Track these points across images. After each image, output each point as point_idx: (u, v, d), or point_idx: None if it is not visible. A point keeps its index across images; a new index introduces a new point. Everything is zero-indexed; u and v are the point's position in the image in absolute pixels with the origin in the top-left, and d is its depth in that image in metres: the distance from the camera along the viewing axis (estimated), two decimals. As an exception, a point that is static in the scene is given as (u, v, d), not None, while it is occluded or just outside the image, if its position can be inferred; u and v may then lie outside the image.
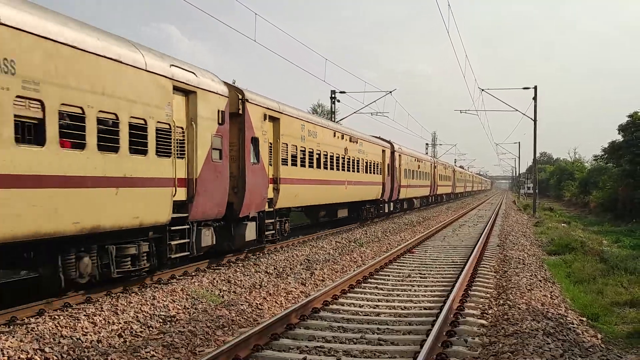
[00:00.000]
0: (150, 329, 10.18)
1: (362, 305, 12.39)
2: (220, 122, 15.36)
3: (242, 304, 12.00)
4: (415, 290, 14.18)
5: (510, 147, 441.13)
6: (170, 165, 13.14)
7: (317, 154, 23.66)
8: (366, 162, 31.34)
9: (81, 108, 10.39)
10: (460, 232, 30.75)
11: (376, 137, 36.69)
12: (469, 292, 13.41)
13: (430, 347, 8.70)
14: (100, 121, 10.91)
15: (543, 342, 9.09)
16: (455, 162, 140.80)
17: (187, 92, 14.03)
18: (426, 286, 14.77)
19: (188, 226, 14.33)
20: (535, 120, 46.98)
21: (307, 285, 14.58)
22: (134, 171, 11.83)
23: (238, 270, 15.71)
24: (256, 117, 18.15)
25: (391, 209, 37.91)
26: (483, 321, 10.83)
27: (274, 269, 16.37)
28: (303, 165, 22.11)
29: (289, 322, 10.32)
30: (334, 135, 26.14)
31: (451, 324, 10.39)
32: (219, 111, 15.32)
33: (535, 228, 34.91)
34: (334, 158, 25.99)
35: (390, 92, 44.26)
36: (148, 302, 11.57)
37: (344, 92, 44.15)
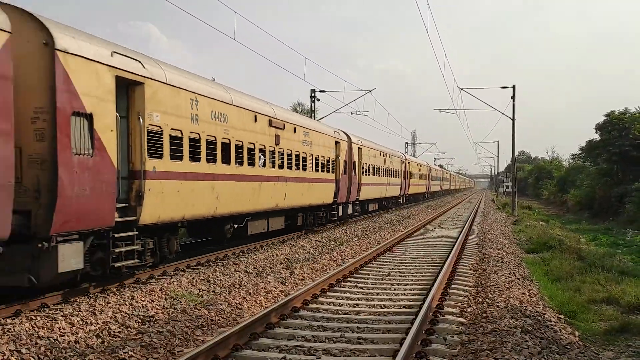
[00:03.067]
0: (129, 329, 10.10)
1: (342, 304, 12.38)
2: None
3: (221, 304, 11.94)
4: (394, 289, 14.16)
5: (490, 146, 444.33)
6: None
7: (223, 143, 16.80)
8: (313, 156, 25.07)
9: None
10: (440, 231, 30.73)
11: (335, 129, 31.57)
12: (448, 290, 13.41)
13: (410, 346, 8.72)
14: None
15: (521, 340, 9.14)
16: (434, 161, 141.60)
17: None
18: (406, 285, 14.77)
19: None
20: (513, 119, 47.27)
21: (287, 284, 14.51)
22: None
23: (217, 269, 15.64)
24: (87, 74, 11.19)
25: (350, 212, 32.78)
26: (462, 319, 10.87)
27: (254, 268, 16.30)
28: (196, 159, 15.21)
29: (268, 322, 10.29)
30: (255, 120, 18.93)
31: (430, 322, 10.42)
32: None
33: (514, 227, 34.92)
34: (258, 150, 19.27)
35: (370, 91, 44.23)
36: (126, 302, 11.49)
37: (323, 91, 44.15)
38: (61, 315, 10.27)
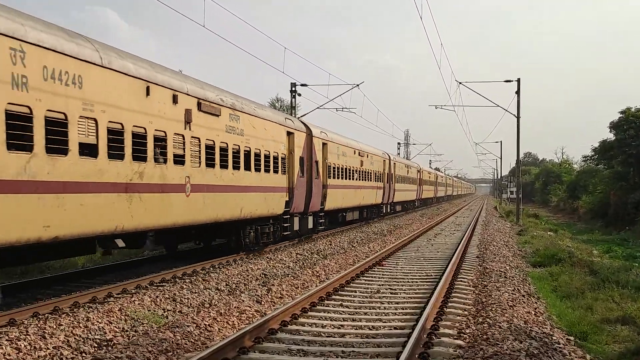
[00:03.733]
0: (83, 354, 10.05)
1: (325, 325, 12.38)
2: None
3: (189, 325, 11.92)
4: (384, 308, 14.21)
5: (492, 146, 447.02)
6: None
7: (81, 125, 13.11)
8: (247, 152, 21.02)
9: None
10: (436, 242, 30.78)
11: (289, 117, 28.19)
12: (445, 309, 13.46)
13: (401, 372, 8.76)
14: None
15: (526, 365, 9.20)
16: (430, 163, 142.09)
17: None
18: (397, 303, 14.79)
19: None
20: (518, 117, 47.48)
21: (263, 303, 14.53)
22: None
23: (185, 286, 15.62)
24: None
25: (310, 225, 29.14)
26: (460, 342, 10.90)
27: (226, 285, 16.28)
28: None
29: (242, 346, 10.26)
30: (148, 94, 15.26)
31: (424, 346, 10.43)
32: None
33: (519, 237, 35.04)
34: (153, 139, 15.62)
35: (357, 85, 44.00)
36: (81, 324, 11.43)
37: (305, 85, 43.91)
38: (6, 340, 10.18)
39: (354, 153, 38.55)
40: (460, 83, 45.98)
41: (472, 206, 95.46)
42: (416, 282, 17.94)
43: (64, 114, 12.63)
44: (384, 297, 15.58)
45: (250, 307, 14.03)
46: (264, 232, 23.99)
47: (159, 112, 15.91)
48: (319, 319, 12.99)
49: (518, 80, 46.59)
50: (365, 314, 13.66)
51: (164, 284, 16.35)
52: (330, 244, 27.56)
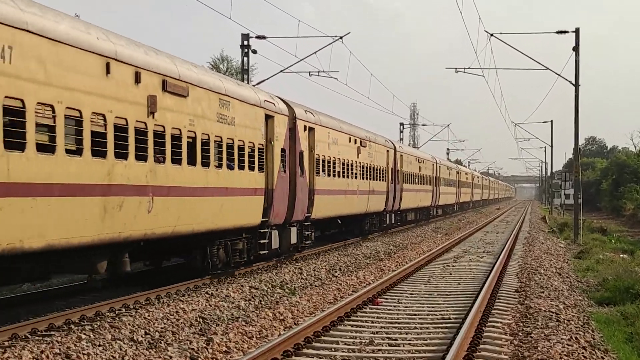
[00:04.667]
0: None
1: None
2: None
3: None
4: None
5: (537, 129, 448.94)
6: None
7: None
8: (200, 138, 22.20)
9: None
10: (457, 269, 31.09)
11: (268, 93, 29.02)
12: (470, 370, 13.58)
13: None
14: None
15: None
16: (448, 153, 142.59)
17: None
18: (399, 361, 14.87)
19: None
20: (576, 85, 47.67)
21: (200, 361, 14.67)
22: None
23: (84, 336, 15.37)
24: None
25: (294, 240, 30.57)
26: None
27: (146, 334, 16.20)
28: None
29: None
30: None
31: None
32: None
33: (577, 262, 35.43)
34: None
35: (341, 37, 44.05)
36: None
37: (263, 38, 43.87)
38: None
39: (351, 141, 39.87)
40: (491, 35, 46.08)
41: (509, 216, 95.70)
42: (427, 328, 17.99)
43: None
44: (379, 351, 15.51)
45: (180, 368, 14.05)
46: (235, 249, 25.70)
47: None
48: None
49: (576, 32, 46.69)
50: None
51: (52, 332, 16.05)
52: (301, 273, 27.75)
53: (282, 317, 19.21)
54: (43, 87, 15.71)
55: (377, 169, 46.29)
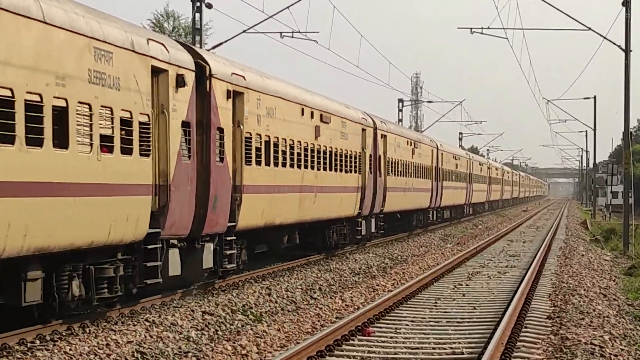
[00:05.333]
0: None
1: None
2: None
3: None
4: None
5: (576, 108, 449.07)
6: None
7: None
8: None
9: None
10: (472, 289, 31.28)
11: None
12: None
13: None
14: None
15: None
16: (460, 138, 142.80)
17: None
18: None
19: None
20: (627, 50, 47.97)
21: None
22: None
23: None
24: None
25: (364, 232, 41.03)
26: None
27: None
28: None
29: None
30: None
31: None
32: None
33: (628, 280, 35.51)
34: None
35: (322, -13, 44.77)
36: None
37: (218, -13, 44.44)
38: None
39: (303, 113, 37.79)
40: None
41: (539, 220, 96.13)
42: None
43: None
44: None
45: None
46: (341, 233, 39.47)
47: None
48: None
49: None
50: None
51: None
52: (269, 294, 27.48)
53: (244, 352, 18.96)
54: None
55: (424, 168, 58.56)
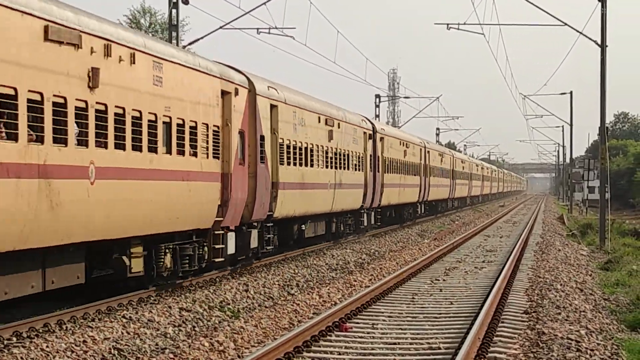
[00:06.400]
0: None
1: None
2: None
3: None
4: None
5: (553, 103, 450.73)
6: None
7: None
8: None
9: None
10: (450, 284, 31.47)
11: None
12: None
13: None
14: None
15: None
16: (437, 134, 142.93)
17: None
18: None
19: None
20: (603, 45, 47.94)
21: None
22: None
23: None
24: None
25: (255, 244, 34.11)
26: None
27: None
28: None
29: None
30: None
31: None
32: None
33: (604, 274, 35.80)
34: None
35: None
36: None
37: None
38: None
39: (320, 121, 42.46)
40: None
41: (516, 215, 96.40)
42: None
43: None
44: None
45: None
46: (184, 255, 27.56)
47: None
48: None
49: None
50: None
51: None
52: (246, 290, 27.56)
53: (221, 348, 18.97)
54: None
55: (414, 165, 71.33)
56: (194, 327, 21.14)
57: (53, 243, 20.10)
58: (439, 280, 32.14)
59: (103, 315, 21.62)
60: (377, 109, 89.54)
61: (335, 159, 45.54)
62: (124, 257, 24.01)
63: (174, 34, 44.84)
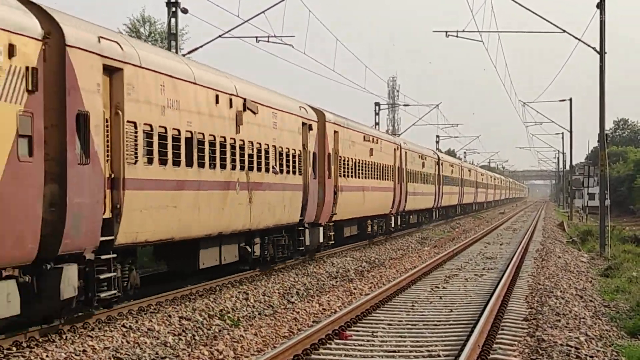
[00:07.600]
0: None
1: None
2: None
3: None
4: None
5: (553, 110, 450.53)
6: None
7: None
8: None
9: None
10: (449, 291, 31.47)
11: None
12: None
13: None
14: None
15: None
16: (437, 142, 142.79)
17: None
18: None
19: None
20: (602, 52, 47.87)
21: None
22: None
23: None
24: None
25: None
26: None
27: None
28: None
29: None
30: None
31: None
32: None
33: (604, 281, 35.70)
34: None
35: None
36: None
37: (193, -8, 44.41)
38: None
39: (364, 139, 54.87)
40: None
41: (516, 223, 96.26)
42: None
43: None
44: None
45: None
46: (279, 245, 38.51)
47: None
48: None
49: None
50: None
51: None
52: (246, 298, 27.56)
53: (221, 357, 19.01)
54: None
55: (455, 179, 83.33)
56: (193, 335, 21.10)
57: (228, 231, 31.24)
58: (438, 287, 32.12)
59: (103, 324, 21.58)
60: (377, 116, 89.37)
61: (376, 170, 57.04)
62: (247, 247, 33.77)
63: (173, 42, 44.70)
